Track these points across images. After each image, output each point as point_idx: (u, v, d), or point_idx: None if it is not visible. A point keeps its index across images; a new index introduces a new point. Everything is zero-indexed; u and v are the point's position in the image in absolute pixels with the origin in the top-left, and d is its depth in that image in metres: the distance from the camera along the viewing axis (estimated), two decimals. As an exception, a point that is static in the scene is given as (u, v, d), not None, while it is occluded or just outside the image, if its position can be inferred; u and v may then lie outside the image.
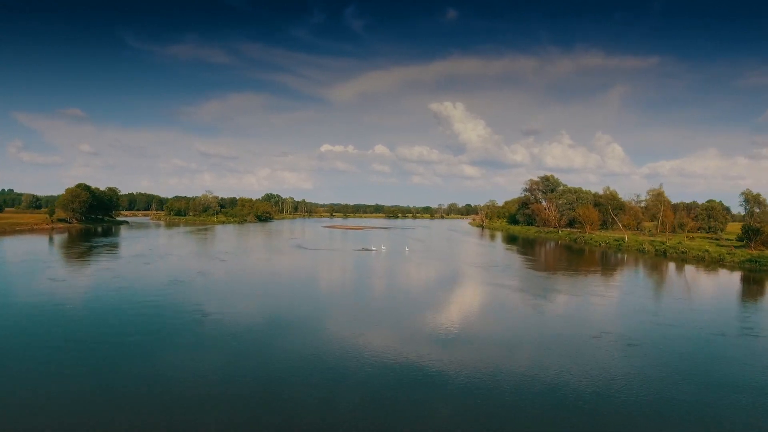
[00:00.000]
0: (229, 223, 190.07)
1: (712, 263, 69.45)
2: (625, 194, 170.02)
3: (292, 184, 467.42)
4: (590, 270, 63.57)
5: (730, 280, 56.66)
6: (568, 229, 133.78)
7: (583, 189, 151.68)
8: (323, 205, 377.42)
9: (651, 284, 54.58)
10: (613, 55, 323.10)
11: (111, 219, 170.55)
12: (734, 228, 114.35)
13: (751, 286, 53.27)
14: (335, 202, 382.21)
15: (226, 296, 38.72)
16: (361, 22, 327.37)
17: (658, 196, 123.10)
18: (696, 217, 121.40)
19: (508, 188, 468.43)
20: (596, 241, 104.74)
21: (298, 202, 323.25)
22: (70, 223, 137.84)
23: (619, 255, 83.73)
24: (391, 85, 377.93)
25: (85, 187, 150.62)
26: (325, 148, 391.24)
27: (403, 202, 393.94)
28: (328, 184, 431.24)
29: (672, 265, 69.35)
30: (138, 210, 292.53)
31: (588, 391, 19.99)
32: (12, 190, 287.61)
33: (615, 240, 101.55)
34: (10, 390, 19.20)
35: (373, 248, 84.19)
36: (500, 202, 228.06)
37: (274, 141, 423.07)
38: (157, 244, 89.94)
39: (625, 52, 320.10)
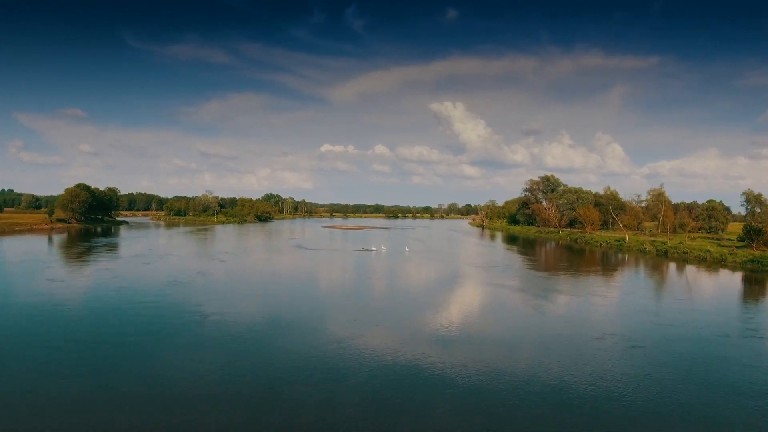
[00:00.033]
0: (229, 223, 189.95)
1: (713, 263, 69.37)
2: (625, 194, 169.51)
3: (292, 184, 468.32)
4: (591, 270, 63.48)
5: (732, 281, 56.57)
6: (569, 229, 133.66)
7: (584, 189, 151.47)
8: (323, 205, 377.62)
9: (652, 284, 54.46)
10: (613, 55, 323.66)
11: (111, 219, 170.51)
12: (735, 228, 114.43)
13: (752, 287, 53.17)
14: (335, 202, 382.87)
15: (226, 296, 38.68)
16: (361, 22, 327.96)
17: (658, 196, 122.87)
18: (697, 217, 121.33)
19: (508, 188, 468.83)
20: (597, 242, 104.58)
21: (298, 202, 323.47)
22: (69, 223, 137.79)
23: (620, 255, 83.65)
24: (391, 85, 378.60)
25: (84, 187, 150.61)
26: (325, 148, 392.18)
27: (403, 202, 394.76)
28: (328, 184, 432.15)
29: (673, 266, 69.26)
30: (138, 210, 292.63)
31: (588, 391, 19.93)
32: (12, 190, 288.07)
33: (616, 240, 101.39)
34: (10, 390, 19.16)
35: (373, 248, 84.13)
36: (500, 202, 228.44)
37: (274, 141, 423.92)
38: (156, 244, 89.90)
39: (625, 52, 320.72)
